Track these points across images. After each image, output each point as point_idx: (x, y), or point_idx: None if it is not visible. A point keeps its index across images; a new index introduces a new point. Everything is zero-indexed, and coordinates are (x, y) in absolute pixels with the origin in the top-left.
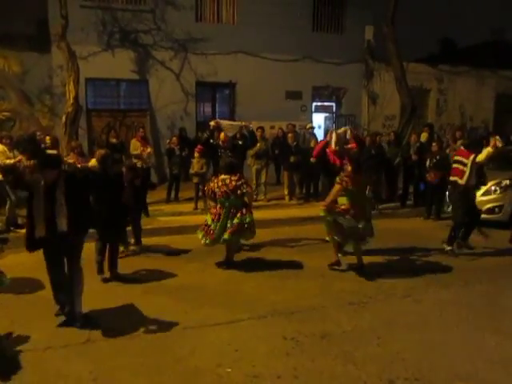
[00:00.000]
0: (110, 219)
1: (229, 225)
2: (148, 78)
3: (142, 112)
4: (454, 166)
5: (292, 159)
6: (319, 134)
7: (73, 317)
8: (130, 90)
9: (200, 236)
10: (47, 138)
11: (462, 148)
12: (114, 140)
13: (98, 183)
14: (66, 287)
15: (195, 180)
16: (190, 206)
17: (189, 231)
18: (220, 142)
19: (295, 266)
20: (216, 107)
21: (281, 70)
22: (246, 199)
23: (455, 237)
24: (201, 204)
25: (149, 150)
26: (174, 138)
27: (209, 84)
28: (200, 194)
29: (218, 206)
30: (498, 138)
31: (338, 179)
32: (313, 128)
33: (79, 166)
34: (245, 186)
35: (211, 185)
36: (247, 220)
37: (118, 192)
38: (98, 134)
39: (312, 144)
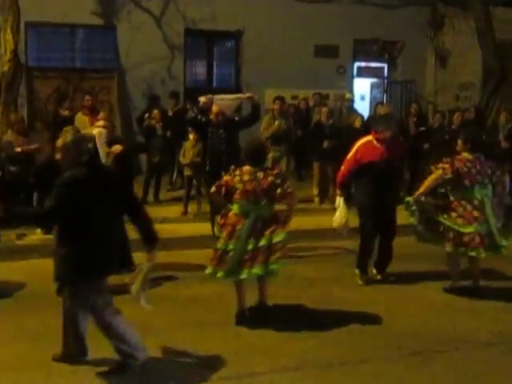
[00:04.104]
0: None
1: (250, 246)
2: (116, 23)
3: (107, 73)
4: None
5: (326, 144)
6: (363, 109)
7: None
8: (89, 40)
9: (209, 270)
10: None
11: None
12: (66, 112)
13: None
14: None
15: (187, 172)
16: (176, 210)
17: (176, 246)
18: (212, 117)
19: (332, 299)
20: (214, 67)
21: (308, 14)
22: (277, 208)
23: None
24: (193, 207)
25: (100, 123)
26: (156, 111)
27: (204, 33)
28: (193, 192)
29: (234, 212)
30: None
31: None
32: (352, 100)
33: (20, 149)
34: (287, 184)
35: (226, 178)
36: (277, 239)
37: None
38: (42, 103)
39: (356, 123)
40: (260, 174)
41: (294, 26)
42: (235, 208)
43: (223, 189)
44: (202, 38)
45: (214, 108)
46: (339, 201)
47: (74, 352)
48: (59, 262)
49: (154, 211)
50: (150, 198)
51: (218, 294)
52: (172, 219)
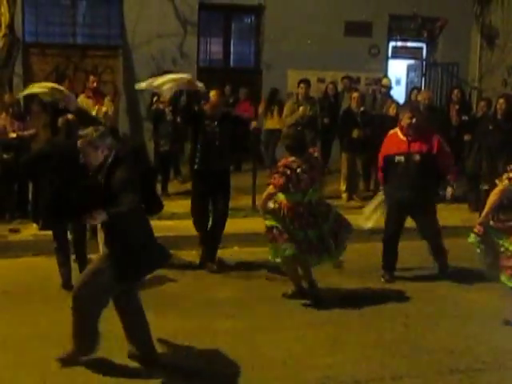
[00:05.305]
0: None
1: (326, 228)
2: None
3: (112, 50)
4: None
5: (356, 134)
6: (398, 94)
7: None
8: (92, 14)
9: (283, 251)
10: None
11: None
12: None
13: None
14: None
15: None
16: (187, 204)
17: (187, 245)
18: (207, 107)
19: (359, 308)
20: (231, 45)
21: None
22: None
23: None
24: None
25: (104, 108)
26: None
27: (220, 7)
28: None
29: (297, 201)
30: None
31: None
32: (389, 87)
33: (14, 135)
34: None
35: (289, 172)
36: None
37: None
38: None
39: (391, 110)
40: (312, 160)
41: (322, 0)
42: (299, 197)
43: (287, 178)
44: (218, 13)
45: (213, 97)
46: (378, 196)
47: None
48: (122, 257)
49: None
50: (158, 190)
51: (229, 299)
52: (182, 215)
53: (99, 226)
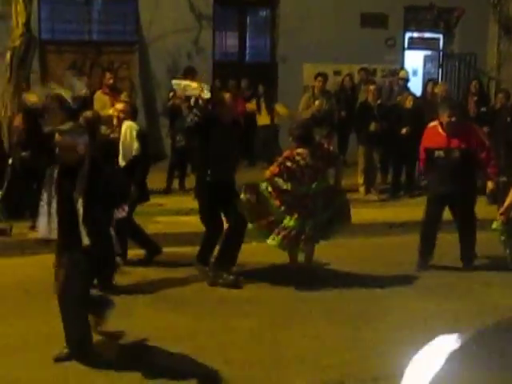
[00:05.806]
0: None
1: (325, 217)
2: None
3: (128, 46)
4: None
5: (373, 127)
6: (415, 86)
7: None
8: (107, 10)
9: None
10: None
11: None
12: (82, 91)
13: None
14: None
15: None
16: None
17: None
18: (221, 113)
19: (376, 303)
20: (246, 39)
21: None
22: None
23: None
24: None
25: (119, 106)
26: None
27: (235, 1)
28: None
29: (303, 192)
30: None
31: None
32: (407, 79)
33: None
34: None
35: (288, 164)
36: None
37: None
38: (57, 80)
39: (407, 103)
40: (318, 152)
41: None
42: (304, 189)
43: (284, 168)
44: (233, 7)
45: (228, 100)
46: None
47: None
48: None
49: (178, 201)
50: (176, 186)
51: (247, 297)
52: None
53: (80, 219)
